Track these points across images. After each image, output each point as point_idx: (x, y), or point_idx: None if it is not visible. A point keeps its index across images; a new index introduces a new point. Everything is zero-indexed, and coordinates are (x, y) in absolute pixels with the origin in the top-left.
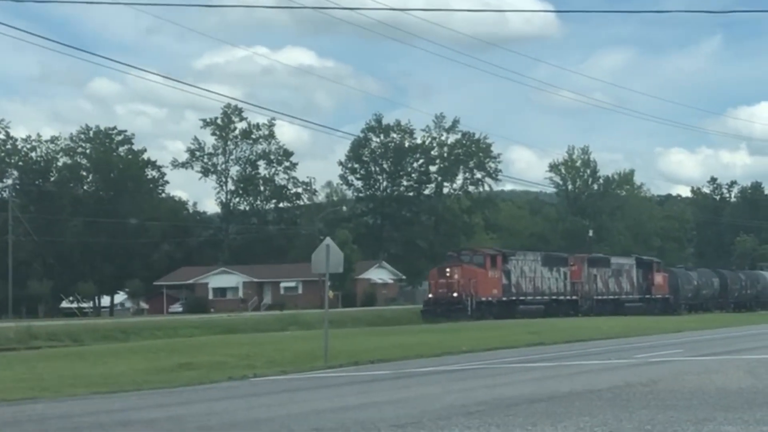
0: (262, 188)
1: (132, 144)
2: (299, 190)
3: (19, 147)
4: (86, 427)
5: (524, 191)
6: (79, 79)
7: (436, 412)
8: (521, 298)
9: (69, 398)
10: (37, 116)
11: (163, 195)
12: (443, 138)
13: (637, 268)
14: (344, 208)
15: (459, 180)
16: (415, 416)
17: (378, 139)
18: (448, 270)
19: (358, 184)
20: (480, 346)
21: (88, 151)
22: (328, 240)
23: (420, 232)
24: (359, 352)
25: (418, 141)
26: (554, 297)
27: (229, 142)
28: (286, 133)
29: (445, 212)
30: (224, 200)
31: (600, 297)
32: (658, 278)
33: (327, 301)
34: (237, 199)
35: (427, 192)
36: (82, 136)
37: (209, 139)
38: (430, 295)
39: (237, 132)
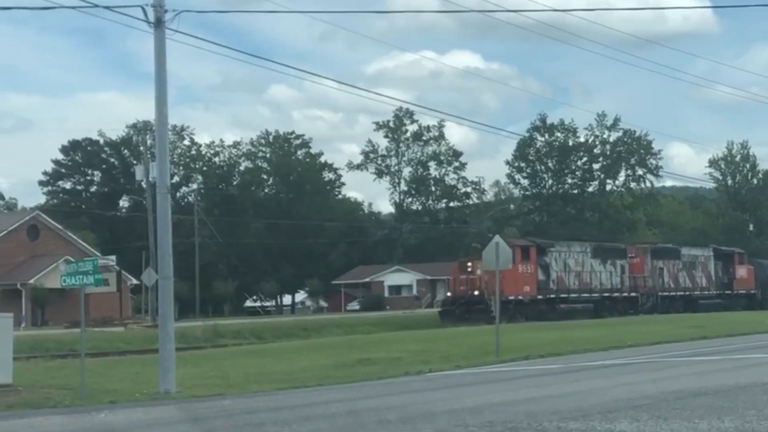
0: (433, 188)
1: (309, 147)
2: (468, 189)
3: (203, 152)
4: (270, 422)
5: (684, 187)
6: (258, 85)
7: (605, 405)
8: (563, 296)
9: (254, 394)
10: (218, 122)
11: (340, 196)
12: (605, 136)
13: (715, 260)
14: (512, 206)
15: (621, 177)
16: (584, 409)
17: (543, 139)
18: (469, 265)
19: (525, 182)
20: (645, 341)
21: (268, 155)
22: (497, 238)
23: (584, 228)
24: (529, 346)
25: (581, 139)
26: (607, 294)
27: (401, 144)
28: (455, 134)
29: (609, 209)
30: (398, 200)
31: (667, 293)
32: (741, 271)
33: (498, 296)
34: (410, 199)
35: (590, 189)
36: (262, 140)
37: (382, 142)
38: (449, 294)
39: (408, 134)
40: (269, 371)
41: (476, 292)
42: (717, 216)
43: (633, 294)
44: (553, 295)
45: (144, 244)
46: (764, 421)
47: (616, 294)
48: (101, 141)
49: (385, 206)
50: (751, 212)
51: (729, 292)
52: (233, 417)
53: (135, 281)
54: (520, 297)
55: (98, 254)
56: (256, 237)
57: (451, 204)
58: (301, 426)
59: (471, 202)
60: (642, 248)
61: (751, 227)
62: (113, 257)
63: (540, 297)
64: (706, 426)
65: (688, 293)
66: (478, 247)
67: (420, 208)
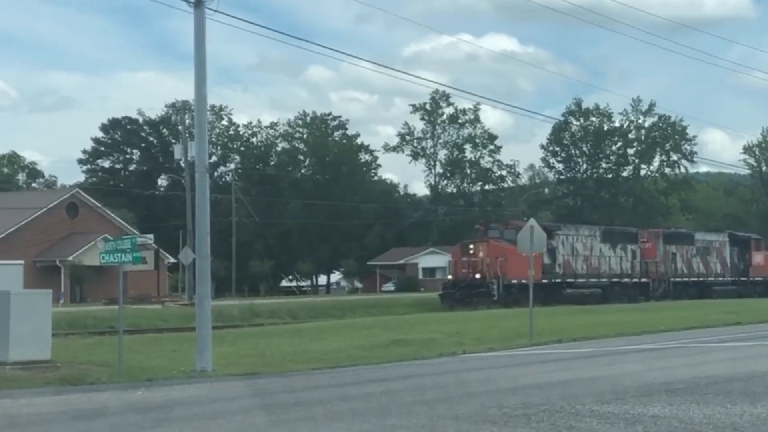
0: (468, 171)
1: (346, 129)
2: (503, 172)
3: (241, 133)
4: (306, 401)
5: (718, 173)
6: (296, 67)
7: (639, 388)
8: (570, 280)
9: (289, 373)
10: (256, 103)
11: (376, 178)
12: (640, 121)
13: (731, 246)
14: (546, 190)
15: (656, 162)
16: (618, 393)
17: (578, 123)
18: (471, 247)
19: (559, 166)
20: (678, 326)
21: (305, 136)
22: (532, 221)
23: (618, 213)
24: (562, 330)
25: (616, 124)
26: (616, 279)
27: (437, 127)
28: (491, 117)
29: (643, 194)
30: (433, 183)
31: (679, 279)
32: (758, 258)
33: (531, 279)
34: (445, 182)
35: (625, 174)
36: (299, 121)
37: (418, 124)
38: (450, 277)
39: (444, 117)
40: (305, 351)
41: (477, 276)
42: (751, 202)
43: (644, 279)
44: (559, 280)
45: (181, 222)
46: None
47: (626, 279)
48: (140, 120)
49: (420, 188)
50: None
51: (744, 278)
52: (268, 396)
53: (172, 260)
54: (524, 281)
55: (136, 232)
56: (293, 217)
57: (486, 187)
58: (338, 405)
59: (506, 186)
60: (654, 233)
61: None
62: (151, 236)
63: (545, 281)
64: (739, 410)
65: (701, 279)
66: (480, 229)
67: (455, 190)
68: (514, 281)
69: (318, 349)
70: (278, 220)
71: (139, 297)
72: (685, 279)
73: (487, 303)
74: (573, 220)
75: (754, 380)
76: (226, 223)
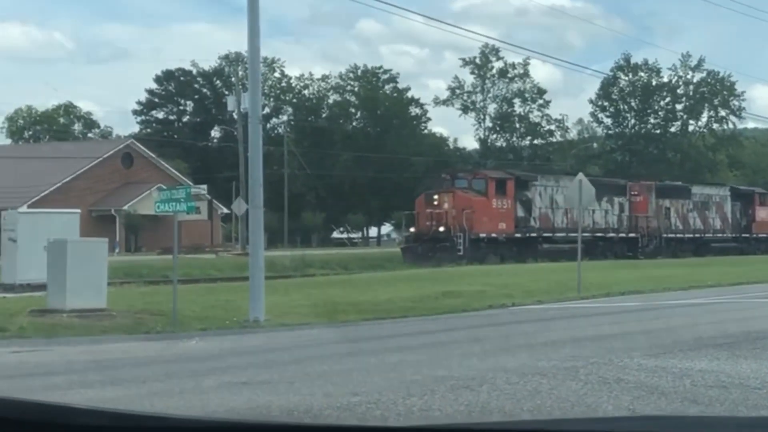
0: (517, 125)
1: (397, 83)
2: (552, 127)
3: (293, 85)
4: (357, 352)
5: (766, 128)
6: (347, 20)
7: (686, 342)
8: (547, 234)
9: (341, 324)
10: (308, 56)
11: (426, 131)
12: (689, 76)
13: (732, 201)
14: (594, 145)
15: (704, 118)
16: (666, 346)
17: (626, 78)
18: (436, 198)
19: (608, 121)
20: (726, 281)
21: (356, 89)
22: (580, 175)
23: (666, 169)
24: (610, 284)
25: (665, 80)
26: (600, 234)
27: (486, 81)
28: (540, 71)
29: (691, 149)
30: (482, 137)
31: (673, 235)
32: (763, 213)
33: (580, 233)
34: (494, 136)
35: (672, 130)
36: (351, 74)
37: (468, 78)
38: (412, 229)
39: (494, 71)
40: (356, 301)
41: (441, 229)
42: None
43: (632, 235)
44: (534, 234)
45: (235, 174)
46: None
47: (612, 234)
48: (194, 71)
49: (469, 142)
50: None
51: (747, 235)
52: (320, 346)
53: (225, 210)
54: (493, 235)
55: (190, 183)
56: (344, 169)
57: (535, 141)
58: (389, 357)
59: (554, 140)
60: (646, 186)
61: None
62: (205, 186)
63: (518, 235)
64: None
65: (698, 236)
66: (446, 178)
67: (504, 144)
68: (483, 235)
69: (368, 299)
70: (330, 172)
71: (194, 247)
72: (679, 235)
73: (452, 259)
74: (621, 175)
75: None
76: (278, 175)
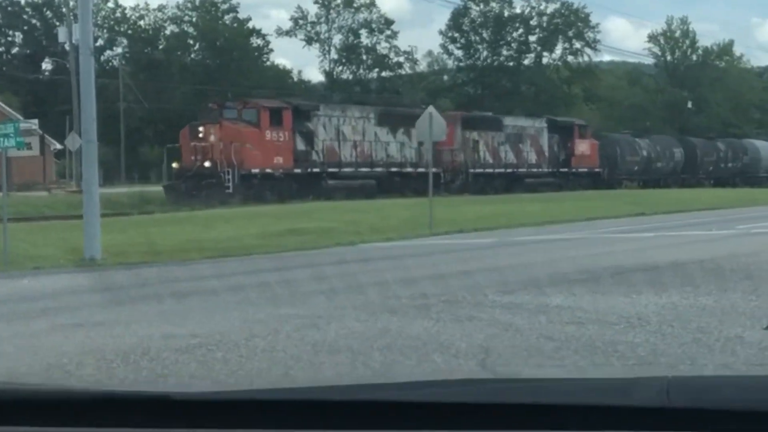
0: (364, 57)
1: (237, 13)
2: (401, 59)
3: (128, 16)
4: (197, 291)
5: (622, 62)
6: None
7: (542, 279)
8: (333, 170)
9: (181, 262)
10: None
11: (268, 63)
12: (542, 7)
13: (549, 133)
14: (445, 77)
15: (558, 50)
16: (521, 282)
17: (478, 8)
18: (201, 129)
19: (459, 53)
20: (581, 217)
21: (194, 19)
22: (430, 108)
23: (520, 102)
24: (463, 220)
25: (518, 11)
26: (396, 169)
27: (331, 11)
28: (387, 1)
29: (545, 83)
30: (327, 69)
31: (481, 170)
32: (582, 146)
33: (431, 169)
34: (340, 68)
35: (526, 62)
36: (189, 5)
37: (312, 8)
38: (175, 165)
39: (339, 0)
40: (197, 239)
41: (207, 164)
42: (656, 92)
43: (434, 170)
44: (317, 169)
45: (68, 108)
46: (702, 297)
47: (410, 169)
48: (22, 1)
49: (314, 75)
50: (690, 90)
51: (566, 170)
52: (156, 285)
53: (59, 146)
54: (268, 170)
55: (21, 117)
56: (184, 103)
57: (383, 74)
58: (231, 295)
59: (403, 73)
60: (451, 116)
61: (689, 104)
62: (35, 121)
63: (298, 171)
64: (644, 301)
65: (511, 171)
66: (213, 108)
67: (351, 77)
68: (255, 171)
69: (211, 237)
70: (168, 105)
71: (25, 184)
72: (488, 170)
73: (220, 197)
74: (473, 109)
75: (658, 270)
76: (114, 109)
